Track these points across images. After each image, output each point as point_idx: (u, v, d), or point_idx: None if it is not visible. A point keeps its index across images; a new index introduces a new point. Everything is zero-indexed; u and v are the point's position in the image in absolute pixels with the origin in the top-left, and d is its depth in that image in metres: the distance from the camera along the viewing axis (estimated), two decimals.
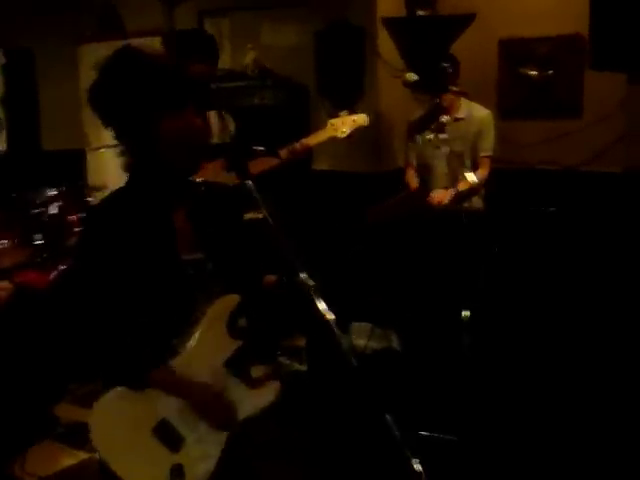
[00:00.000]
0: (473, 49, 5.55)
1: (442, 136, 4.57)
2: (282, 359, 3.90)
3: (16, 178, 5.92)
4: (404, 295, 3.98)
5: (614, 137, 4.99)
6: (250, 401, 2.27)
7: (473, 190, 4.47)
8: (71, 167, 6.87)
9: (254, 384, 2.33)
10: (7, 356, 3.86)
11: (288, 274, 2.33)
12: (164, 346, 2.19)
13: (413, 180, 4.87)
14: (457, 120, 4.59)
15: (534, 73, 5.45)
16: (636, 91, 4.61)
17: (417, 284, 3.88)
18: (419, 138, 4.77)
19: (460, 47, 5.24)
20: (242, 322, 2.31)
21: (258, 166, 3.57)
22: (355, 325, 4.23)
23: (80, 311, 2.16)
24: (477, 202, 4.52)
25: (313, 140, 4.06)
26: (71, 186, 4.92)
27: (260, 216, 4.78)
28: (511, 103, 4.71)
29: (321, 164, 5.50)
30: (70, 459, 3.72)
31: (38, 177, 5.43)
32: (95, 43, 6.88)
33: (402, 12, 5.78)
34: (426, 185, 4.79)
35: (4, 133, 7.51)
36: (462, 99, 4.70)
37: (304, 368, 3.87)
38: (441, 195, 4.55)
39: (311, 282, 1.98)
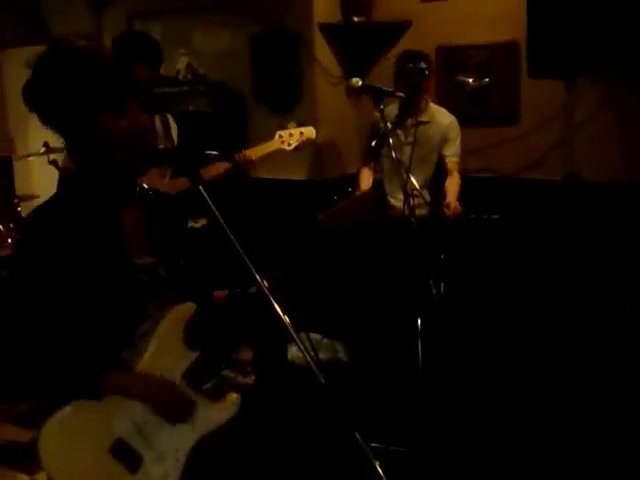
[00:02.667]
0: None
1: (408, 139, 4.47)
2: (226, 372, 3.79)
3: None
4: (353, 304, 3.92)
5: (552, 144, 5.04)
6: (211, 416, 2.17)
7: None
8: None
9: (214, 398, 2.23)
10: None
11: (243, 284, 2.24)
12: (115, 355, 2.09)
13: (366, 177, 4.75)
14: (421, 123, 4.46)
15: (471, 80, 5.46)
16: (574, 98, 4.65)
17: (367, 292, 3.82)
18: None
19: (398, 54, 5.20)
20: (198, 332, 2.21)
21: (210, 171, 3.47)
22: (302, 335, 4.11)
23: (25, 323, 2.02)
24: (423, 209, 4.46)
25: (260, 152, 3.90)
26: None
27: (197, 225, 4.63)
28: (449, 110, 4.70)
29: (259, 172, 5.37)
30: None
31: None
32: (19, 48, 6.55)
33: (338, 18, 5.74)
34: (381, 186, 4.69)
35: None
36: (430, 103, 4.63)
37: (250, 381, 3.76)
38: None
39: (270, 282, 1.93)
